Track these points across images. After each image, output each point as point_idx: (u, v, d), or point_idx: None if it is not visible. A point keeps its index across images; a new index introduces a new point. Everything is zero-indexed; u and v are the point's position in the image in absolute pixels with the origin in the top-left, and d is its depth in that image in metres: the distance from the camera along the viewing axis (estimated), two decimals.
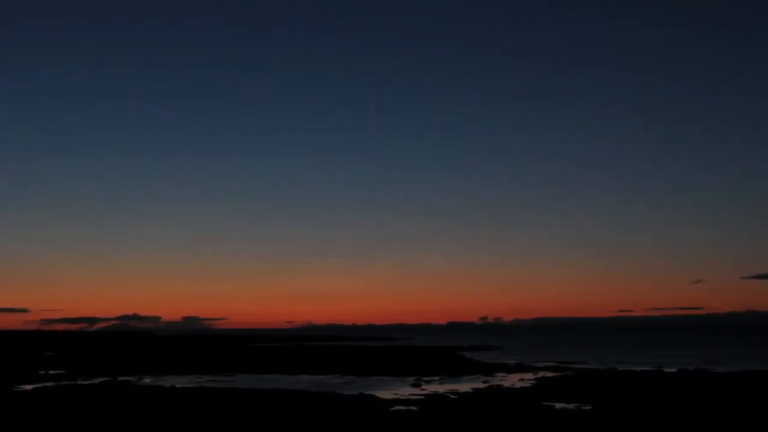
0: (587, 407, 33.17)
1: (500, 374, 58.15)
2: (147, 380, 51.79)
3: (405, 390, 44.34)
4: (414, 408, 33.14)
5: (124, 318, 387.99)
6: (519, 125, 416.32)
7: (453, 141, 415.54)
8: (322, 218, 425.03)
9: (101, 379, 51.33)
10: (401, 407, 33.50)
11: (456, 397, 38.74)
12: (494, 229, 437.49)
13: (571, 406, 34.06)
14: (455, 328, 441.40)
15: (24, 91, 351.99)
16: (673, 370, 58.11)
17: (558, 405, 34.29)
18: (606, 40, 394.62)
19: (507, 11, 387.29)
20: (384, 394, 40.87)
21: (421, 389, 44.98)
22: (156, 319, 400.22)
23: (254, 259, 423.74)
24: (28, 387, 44.57)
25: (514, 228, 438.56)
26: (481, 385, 46.93)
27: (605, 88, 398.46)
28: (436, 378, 54.03)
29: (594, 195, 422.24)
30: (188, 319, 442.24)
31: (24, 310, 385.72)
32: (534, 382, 49.45)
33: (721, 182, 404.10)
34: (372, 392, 40.96)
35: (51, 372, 59.00)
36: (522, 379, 52.27)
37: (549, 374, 57.38)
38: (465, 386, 46.35)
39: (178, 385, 45.56)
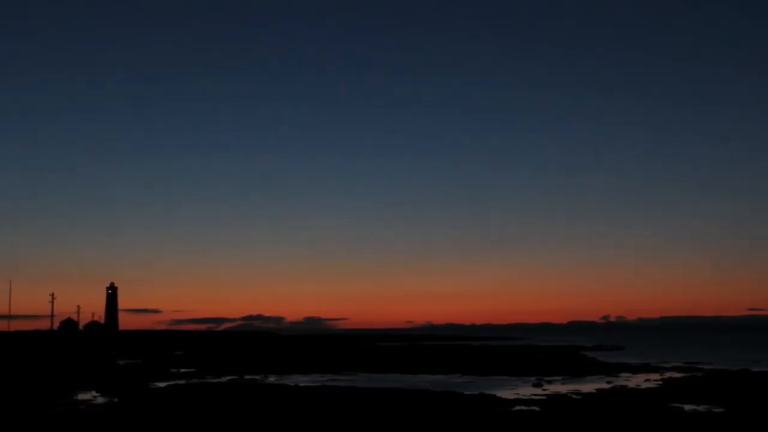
0: (719, 410, 31.83)
1: (624, 375, 56.60)
2: (272, 379, 53.18)
3: (526, 390, 43.83)
4: (536, 408, 32.72)
5: (249, 318, 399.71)
6: (639, 124, 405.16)
7: (570, 139, 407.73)
8: (442, 218, 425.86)
9: (229, 378, 53.02)
10: (523, 407, 33.14)
11: (579, 397, 37.99)
12: (617, 227, 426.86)
13: (701, 408, 32.79)
14: (577, 327, 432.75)
15: (150, 92, 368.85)
16: None
17: (687, 407, 33.08)
18: (714, 37, 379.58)
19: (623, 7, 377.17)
20: (505, 393, 40.53)
21: (543, 389, 44.33)
22: (279, 320, 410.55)
23: (375, 259, 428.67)
24: (162, 384, 46.58)
25: (638, 225, 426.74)
26: (605, 386, 45.84)
27: (714, 86, 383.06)
28: (558, 378, 53.14)
29: (721, 191, 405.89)
30: (310, 319, 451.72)
31: (156, 311, 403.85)
32: (660, 383, 47.92)
33: None
34: (493, 392, 40.71)
35: (182, 370, 61.37)
36: (648, 380, 50.70)
37: (676, 375, 55.49)
38: (588, 387, 45.39)
39: (301, 384, 46.59)
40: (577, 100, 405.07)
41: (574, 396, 38.70)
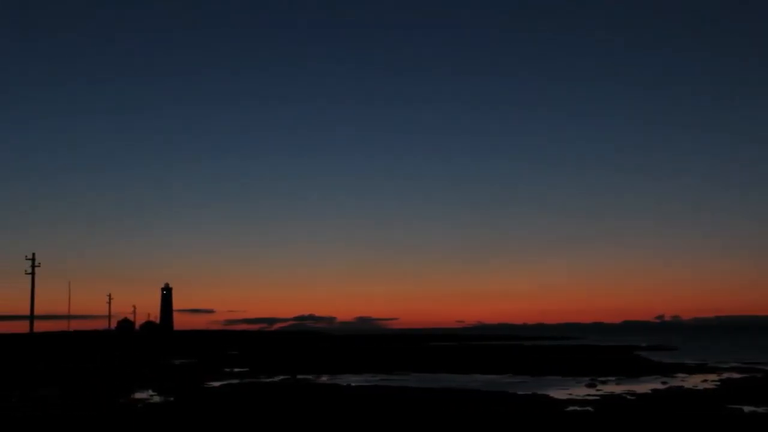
0: None
1: (680, 375, 55.72)
2: (324, 378, 53.59)
3: (580, 390, 43.46)
4: (590, 409, 32.43)
5: (301, 318, 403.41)
6: (691, 124, 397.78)
7: (626, 139, 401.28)
8: (493, 217, 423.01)
9: (281, 377, 53.56)
10: (576, 408, 32.88)
11: (634, 398, 37.56)
12: (671, 226, 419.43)
13: (760, 409, 32.14)
14: (630, 326, 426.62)
15: (205, 92, 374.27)
16: None
17: (746, 408, 32.45)
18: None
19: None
20: (558, 394, 40.25)
21: (597, 389, 43.92)
22: (331, 320, 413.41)
23: (426, 259, 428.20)
24: (216, 384, 47.27)
25: (693, 223, 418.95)
26: (660, 386, 45.21)
27: None
28: (612, 378, 52.57)
29: None
30: (361, 319, 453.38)
31: (210, 311, 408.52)
32: (718, 383, 47.08)
33: None
34: (545, 392, 40.45)
35: (236, 370, 62.16)
36: (705, 381, 49.84)
37: (735, 375, 54.45)
38: (643, 387, 44.83)
39: (353, 384, 46.84)
40: (627, 100, 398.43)
41: (629, 396, 38.28)
